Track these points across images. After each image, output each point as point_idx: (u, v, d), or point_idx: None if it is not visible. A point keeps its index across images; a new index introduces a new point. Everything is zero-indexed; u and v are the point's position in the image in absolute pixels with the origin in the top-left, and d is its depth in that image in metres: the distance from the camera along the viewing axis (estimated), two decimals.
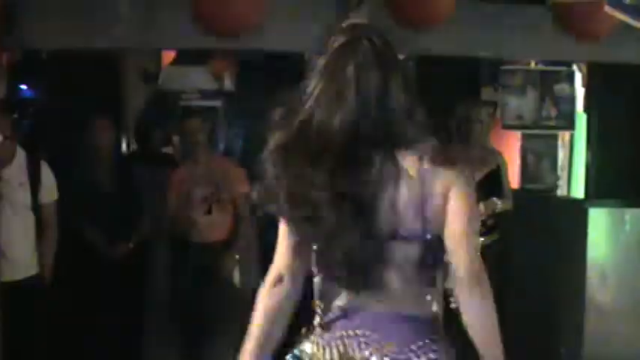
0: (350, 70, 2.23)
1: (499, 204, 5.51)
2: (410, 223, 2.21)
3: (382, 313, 2.27)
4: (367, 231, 2.18)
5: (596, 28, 5.29)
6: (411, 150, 2.22)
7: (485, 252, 5.52)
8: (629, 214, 5.71)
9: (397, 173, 2.19)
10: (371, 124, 2.20)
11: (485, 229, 5.44)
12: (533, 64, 7.11)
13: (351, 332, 2.27)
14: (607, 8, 4.46)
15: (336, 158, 2.18)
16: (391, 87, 2.24)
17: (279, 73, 5.62)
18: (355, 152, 2.19)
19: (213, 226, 5.51)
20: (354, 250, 2.19)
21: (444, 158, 2.23)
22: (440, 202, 2.21)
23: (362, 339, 2.25)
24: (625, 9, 4.38)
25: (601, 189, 6.55)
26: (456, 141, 5.56)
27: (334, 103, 2.21)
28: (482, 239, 5.48)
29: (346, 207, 2.17)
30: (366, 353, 2.23)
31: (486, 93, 7.21)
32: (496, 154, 5.80)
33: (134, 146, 7.07)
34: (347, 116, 2.20)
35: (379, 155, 2.19)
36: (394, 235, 2.21)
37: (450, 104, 5.65)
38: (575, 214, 5.83)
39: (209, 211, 5.47)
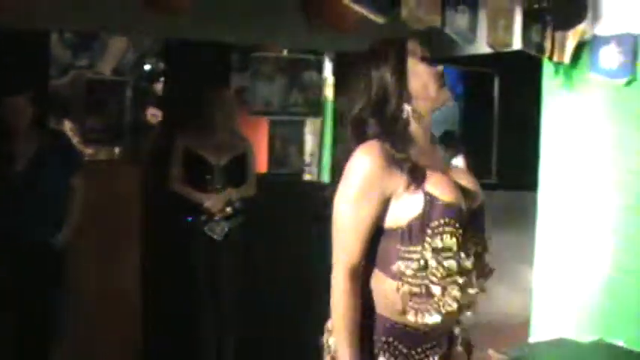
0: None
1: (234, 194, 5.62)
2: None
3: None
4: None
5: (341, 19, 5.46)
6: None
7: (232, 236, 5.61)
8: None
9: None
10: None
11: (226, 215, 5.55)
12: (285, 52, 7.25)
13: None
14: (346, 0, 4.61)
15: None
16: None
17: (16, 51, 5.37)
18: None
19: None
20: None
21: None
22: None
23: None
24: (362, 2, 4.55)
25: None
26: (207, 127, 5.59)
27: None
28: (226, 223, 5.56)
29: None
30: None
31: (236, 79, 7.29)
32: (244, 140, 5.86)
33: None
34: None
35: None
36: None
37: (199, 90, 5.65)
38: (321, 197, 5.95)
39: None
